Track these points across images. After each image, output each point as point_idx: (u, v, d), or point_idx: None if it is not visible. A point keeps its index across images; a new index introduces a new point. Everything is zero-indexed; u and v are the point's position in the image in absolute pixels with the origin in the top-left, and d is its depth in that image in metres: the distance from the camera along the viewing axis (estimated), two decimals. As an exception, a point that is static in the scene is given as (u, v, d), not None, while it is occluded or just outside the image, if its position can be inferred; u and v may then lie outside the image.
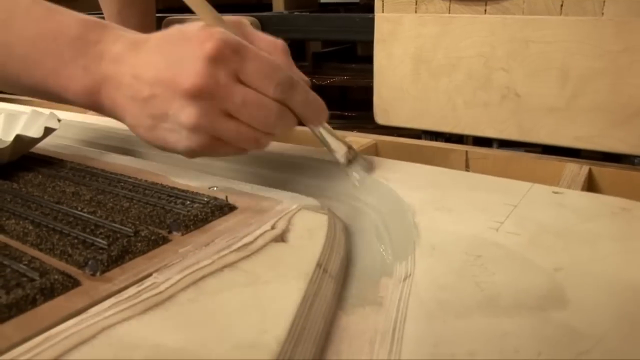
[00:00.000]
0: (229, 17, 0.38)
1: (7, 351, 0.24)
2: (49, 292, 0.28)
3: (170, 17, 0.82)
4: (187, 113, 0.34)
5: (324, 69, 1.30)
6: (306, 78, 0.40)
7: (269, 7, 0.87)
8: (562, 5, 0.51)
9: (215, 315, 0.26)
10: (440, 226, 0.34)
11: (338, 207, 0.42)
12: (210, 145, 0.36)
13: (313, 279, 0.29)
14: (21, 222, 0.36)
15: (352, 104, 1.35)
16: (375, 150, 0.61)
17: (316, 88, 1.43)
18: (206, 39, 0.34)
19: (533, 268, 0.29)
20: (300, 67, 1.30)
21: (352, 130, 0.77)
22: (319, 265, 0.30)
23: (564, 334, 0.24)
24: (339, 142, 0.43)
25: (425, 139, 0.65)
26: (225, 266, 0.30)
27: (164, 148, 0.38)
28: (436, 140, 0.64)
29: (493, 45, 0.55)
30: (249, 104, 0.35)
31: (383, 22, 0.61)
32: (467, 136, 0.65)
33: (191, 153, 0.37)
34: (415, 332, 0.24)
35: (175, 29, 0.37)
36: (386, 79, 0.63)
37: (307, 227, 0.35)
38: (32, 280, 0.29)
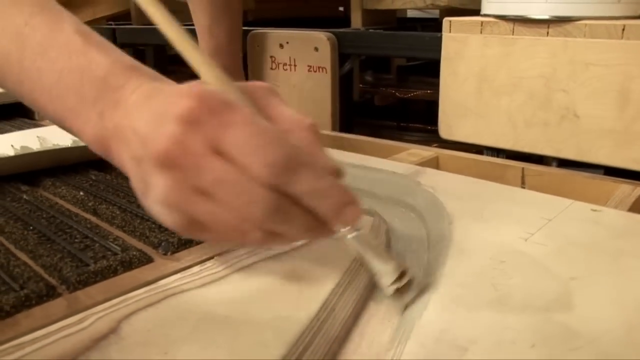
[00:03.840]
0: (252, 83, 0.31)
1: (92, 307, 0.30)
2: (128, 265, 0.34)
3: (255, 31, 0.88)
4: (155, 183, 0.28)
5: (408, 83, 1.34)
6: (335, 165, 0.29)
7: (347, 23, 0.92)
8: (623, 30, 0.52)
9: (260, 293, 0.30)
10: (474, 233, 0.37)
11: (389, 210, 0.46)
12: (190, 227, 0.29)
13: (349, 271, 0.33)
14: (110, 207, 0.42)
15: (436, 118, 1.37)
16: (436, 163, 0.64)
17: (400, 101, 1.43)
18: (182, 95, 0.27)
19: (549, 275, 0.32)
20: (385, 80, 1.34)
21: (432, 145, 0.80)
22: (356, 259, 0.34)
23: (561, 332, 0.26)
24: (386, 261, 0.31)
25: (487, 154, 0.67)
26: (275, 255, 0.35)
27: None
28: (497, 156, 0.65)
29: (554, 66, 0.57)
30: (223, 185, 0.27)
31: (450, 41, 0.64)
32: (530, 155, 0.67)
33: (178, 231, 0.30)
34: (427, 319, 0.28)
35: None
36: (451, 96, 0.66)
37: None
38: (115, 254, 0.35)
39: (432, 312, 0.28)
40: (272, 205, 0.27)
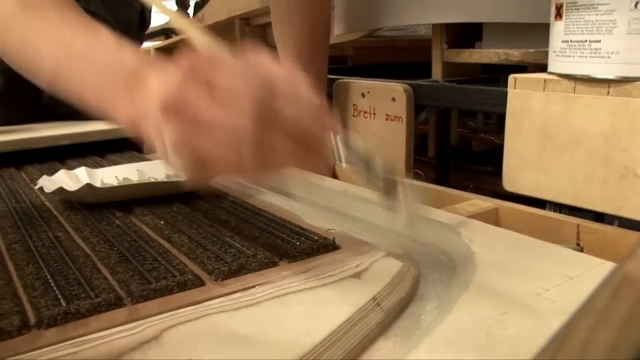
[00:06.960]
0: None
1: (147, 317, 0.36)
2: (182, 286, 0.40)
3: (341, 80, 0.95)
4: (165, 131, 0.33)
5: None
6: (319, 100, 0.33)
7: (428, 72, 0.94)
8: (683, 94, 0.53)
9: (280, 320, 0.36)
10: (490, 285, 0.40)
11: (424, 255, 0.49)
12: (197, 167, 0.34)
13: (362, 308, 0.37)
14: (181, 237, 0.49)
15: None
16: (495, 215, 0.66)
17: (499, 147, 1.44)
18: (182, 59, 0.33)
19: (546, 330, 0.34)
20: (486, 125, 1.38)
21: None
22: (373, 299, 0.39)
23: (532, 380, 0.29)
24: (374, 165, 0.37)
25: (550, 208, 0.68)
26: (305, 289, 0.40)
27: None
28: (560, 211, 0.66)
29: (614, 125, 0.58)
30: (217, 124, 0.31)
31: (515, 97, 0.67)
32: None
33: (190, 176, 0.35)
34: (413, 357, 0.31)
35: None
36: (514, 150, 0.68)
37: (382, 269, 0.43)
38: (174, 276, 0.41)
39: (420, 351, 0.32)
40: (257, 136, 0.31)
